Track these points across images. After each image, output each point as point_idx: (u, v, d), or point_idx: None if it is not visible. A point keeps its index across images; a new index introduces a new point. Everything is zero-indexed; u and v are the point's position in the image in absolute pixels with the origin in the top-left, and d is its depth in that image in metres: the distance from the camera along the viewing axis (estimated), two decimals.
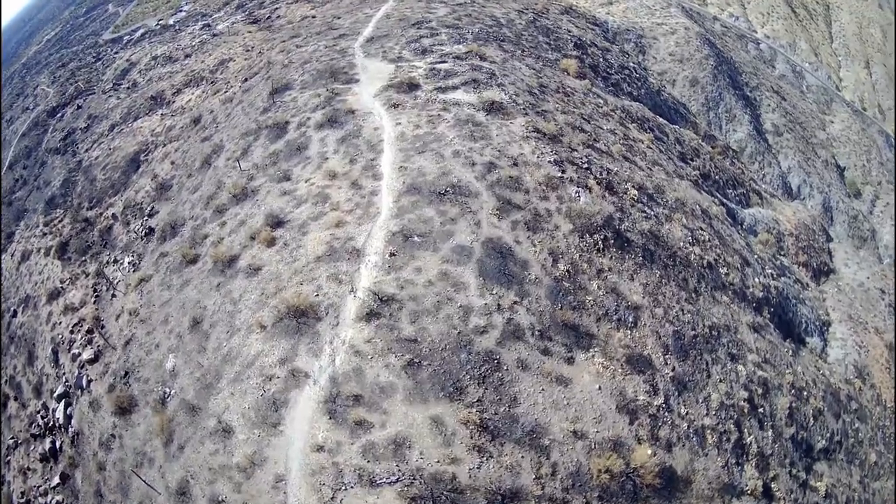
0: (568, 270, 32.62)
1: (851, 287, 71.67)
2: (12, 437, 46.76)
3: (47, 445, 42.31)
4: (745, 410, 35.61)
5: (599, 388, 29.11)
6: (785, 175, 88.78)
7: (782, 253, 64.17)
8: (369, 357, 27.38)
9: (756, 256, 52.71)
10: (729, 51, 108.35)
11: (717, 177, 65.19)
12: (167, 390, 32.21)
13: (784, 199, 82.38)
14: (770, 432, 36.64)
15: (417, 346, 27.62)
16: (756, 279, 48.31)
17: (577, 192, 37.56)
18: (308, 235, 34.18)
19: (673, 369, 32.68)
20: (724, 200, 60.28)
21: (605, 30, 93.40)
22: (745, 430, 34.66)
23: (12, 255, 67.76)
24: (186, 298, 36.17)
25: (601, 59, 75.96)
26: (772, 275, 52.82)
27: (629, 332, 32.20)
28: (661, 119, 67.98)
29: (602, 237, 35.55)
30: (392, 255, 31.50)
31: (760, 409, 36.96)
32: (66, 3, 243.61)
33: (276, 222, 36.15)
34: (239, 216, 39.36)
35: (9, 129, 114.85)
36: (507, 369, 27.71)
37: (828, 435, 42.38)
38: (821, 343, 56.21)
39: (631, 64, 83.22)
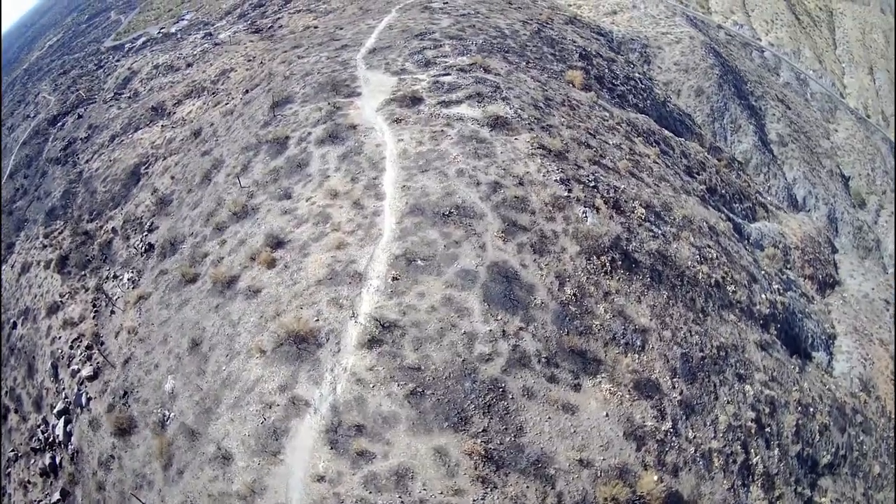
0: (575, 294, 31.98)
1: (856, 299, 71.14)
2: (13, 450, 46.55)
3: (47, 460, 42.06)
4: (752, 431, 35.15)
5: (606, 414, 28.53)
6: (790, 186, 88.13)
7: (788, 267, 63.58)
8: (371, 386, 26.78)
9: (763, 272, 52.09)
10: (734, 59, 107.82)
11: (723, 191, 64.61)
12: (166, 413, 31.73)
13: (789, 211, 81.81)
14: (776, 451, 36.24)
15: (420, 375, 27.01)
16: (763, 295, 47.74)
17: (584, 212, 36.91)
18: (309, 257, 33.58)
19: (681, 393, 32.11)
20: (731, 215, 59.71)
21: (610, 40, 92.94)
22: (752, 450, 34.23)
23: (12, 267, 67.48)
24: (185, 319, 35.65)
25: (606, 70, 75.40)
26: (778, 290, 52.26)
27: (637, 356, 31.60)
28: (666, 132, 67.40)
29: (609, 259, 34.87)
30: (395, 279, 30.86)
31: (767, 429, 36.51)
32: (69, 10, 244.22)
33: (277, 243, 35.56)
34: (239, 235, 38.83)
35: (9, 136, 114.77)
36: (512, 398, 27.10)
37: (833, 449, 41.99)
38: (827, 357, 55.70)
39: (636, 74, 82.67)
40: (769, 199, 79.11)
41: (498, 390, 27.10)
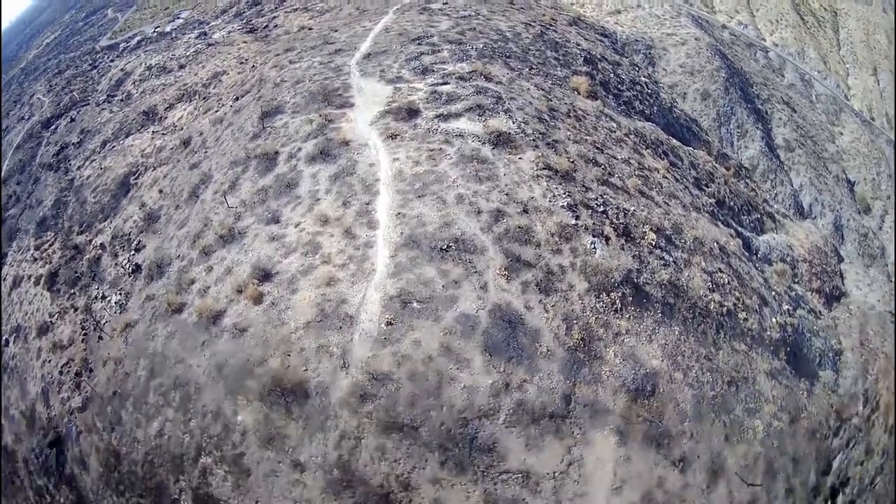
0: (583, 338, 29.84)
1: (862, 311, 69.34)
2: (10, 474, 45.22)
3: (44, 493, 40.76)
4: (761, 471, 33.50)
5: (614, 472, 26.70)
6: (797, 193, 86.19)
7: (796, 281, 61.78)
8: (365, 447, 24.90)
9: (773, 293, 50.21)
10: (739, 61, 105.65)
11: (731, 203, 62.58)
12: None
13: (796, 218, 79.86)
14: (782, 486, 34.54)
15: (417, 435, 25.09)
16: (773, 319, 45.91)
17: (592, 243, 34.67)
18: (297, 294, 31.41)
19: (691, 437, 30.31)
20: (740, 229, 57.75)
21: (615, 41, 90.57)
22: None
23: (4, 280, 65.70)
24: (171, 354, 33.72)
25: (612, 75, 73.06)
26: (788, 311, 50.41)
27: (647, 401, 29.67)
28: (674, 140, 65.27)
29: (620, 294, 32.65)
30: (389, 323, 28.66)
31: (775, 465, 34.81)
32: (67, 7, 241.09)
33: (264, 275, 33.38)
34: (226, 262, 36.69)
35: (4, 139, 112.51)
36: (515, 458, 25.22)
37: (836, 472, 40.66)
38: (833, 375, 53.91)
39: (642, 79, 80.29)
40: (776, 207, 77.15)
41: (500, 451, 25.22)
